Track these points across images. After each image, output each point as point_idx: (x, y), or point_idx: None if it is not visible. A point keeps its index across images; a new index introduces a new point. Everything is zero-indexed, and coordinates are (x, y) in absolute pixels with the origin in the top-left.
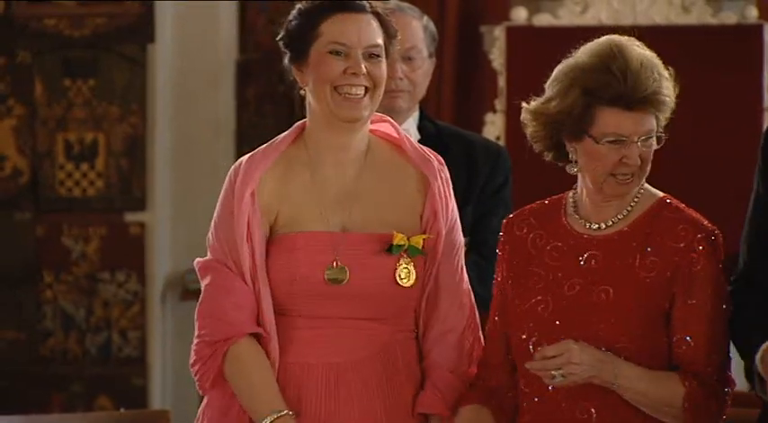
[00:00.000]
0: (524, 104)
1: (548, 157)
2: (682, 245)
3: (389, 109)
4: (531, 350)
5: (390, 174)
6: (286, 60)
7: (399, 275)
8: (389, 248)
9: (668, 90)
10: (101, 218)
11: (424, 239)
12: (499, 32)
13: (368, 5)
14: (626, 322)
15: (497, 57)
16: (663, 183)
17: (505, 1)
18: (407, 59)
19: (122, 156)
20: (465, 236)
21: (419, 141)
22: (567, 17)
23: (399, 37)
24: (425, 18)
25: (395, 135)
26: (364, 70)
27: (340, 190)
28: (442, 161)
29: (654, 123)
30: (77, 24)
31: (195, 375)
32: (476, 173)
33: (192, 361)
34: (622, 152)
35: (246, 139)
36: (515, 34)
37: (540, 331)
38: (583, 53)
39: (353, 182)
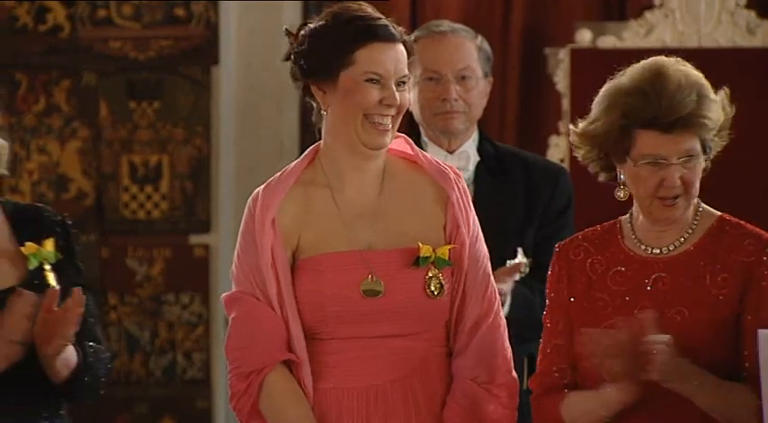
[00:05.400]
0: (572, 127)
1: (602, 178)
2: (751, 259)
3: (445, 130)
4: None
5: (409, 189)
6: (300, 75)
7: (429, 287)
8: (417, 261)
9: (712, 111)
10: (165, 240)
11: (449, 250)
12: (563, 55)
13: (398, 34)
14: (700, 341)
15: (561, 79)
16: (725, 204)
17: (570, 23)
18: (461, 80)
19: (187, 178)
20: (527, 257)
21: (479, 163)
22: (631, 39)
23: (452, 57)
24: (480, 38)
25: (410, 151)
26: (398, 101)
27: (363, 209)
28: (459, 173)
29: (696, 145)
30: (142, 47)
31: (234, 410)
32: (536, 195)
33: (229, 397)
34: (661, 174)
35: None
36: (580, 56)
37: None
38: (626, 75)
39: (375, 200)
